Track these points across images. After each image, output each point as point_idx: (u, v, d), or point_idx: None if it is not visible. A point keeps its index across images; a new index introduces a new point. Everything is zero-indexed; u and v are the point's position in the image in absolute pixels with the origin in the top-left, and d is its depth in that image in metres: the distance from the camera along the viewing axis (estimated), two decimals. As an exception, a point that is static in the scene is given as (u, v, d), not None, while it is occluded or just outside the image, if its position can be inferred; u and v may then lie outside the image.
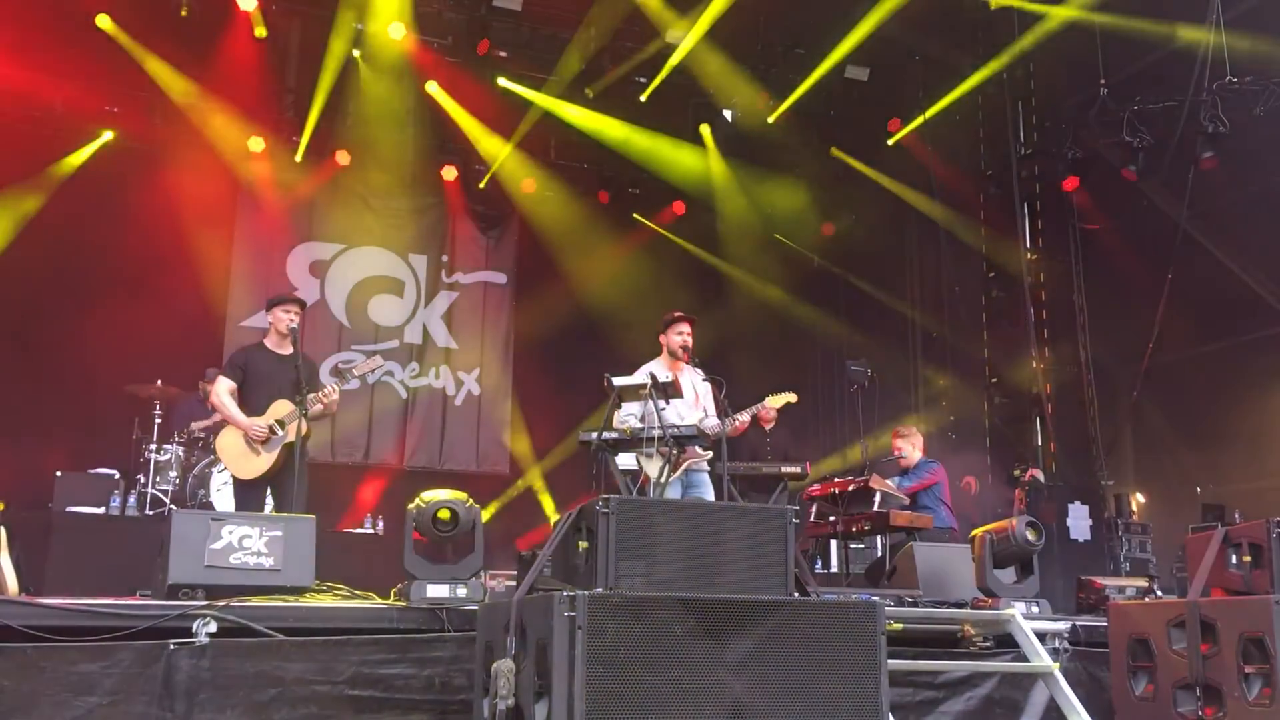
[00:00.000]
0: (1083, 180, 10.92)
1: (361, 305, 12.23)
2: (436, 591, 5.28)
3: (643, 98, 11.69)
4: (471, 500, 5.49)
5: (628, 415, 6.85)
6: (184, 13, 10.06)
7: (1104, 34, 9.88)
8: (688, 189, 12.76)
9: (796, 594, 4.37)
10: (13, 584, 5.33)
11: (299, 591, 5.34)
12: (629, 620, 3.79)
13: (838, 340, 13.05)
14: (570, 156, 12.62)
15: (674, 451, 6.48)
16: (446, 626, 5.17)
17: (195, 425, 9.34)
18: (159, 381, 9.39)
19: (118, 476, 8.96)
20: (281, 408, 6.86)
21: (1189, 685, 5.03)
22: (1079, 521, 9.73)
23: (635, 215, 13.04)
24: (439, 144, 12.14)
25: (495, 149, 11.95)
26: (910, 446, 8.80)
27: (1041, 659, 5.58)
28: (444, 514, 5.36)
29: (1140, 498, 10.34)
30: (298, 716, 4.78)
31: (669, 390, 6.55)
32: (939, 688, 5.58)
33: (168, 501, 8.87)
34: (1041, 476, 10.45)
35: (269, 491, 7.03)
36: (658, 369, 7.04)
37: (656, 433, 6.36)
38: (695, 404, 7.21)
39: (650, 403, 6.45)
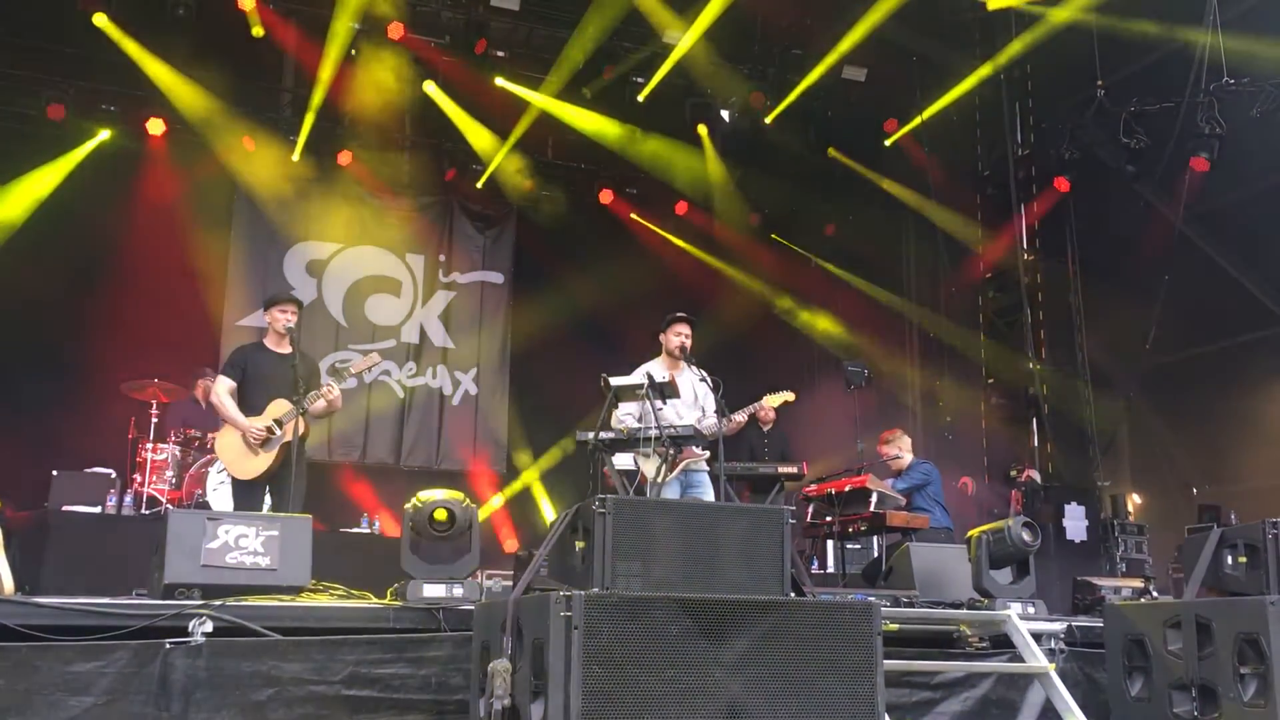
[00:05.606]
0: (1080, 181, 10.93)
1: (359, 305, 12.19)
2: (433, 591, 5.28)
3: (640, 97, 11.67)
4: (468, 500, 5.51)
5: (625, 415, 6.85)
6: (181, 11, 10.04)
7: (1101, 35, 9.89)
8: (685, 189, 12.75)
9: (793, 594, 4.37)
10: (9, 583, 5.32)
11: (295, 591, 5.34)
12: (625, 620, 3.79)
13: (835, 341, 13.05)
14: (568, 156, 12.60)
15: (671, 451, 6.48)
16: (443, 626, 5.17)
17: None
18: (155, 380, 9.37)
19: (114, 476, 8.94)
20: (280, 407, 6.85)
21: (1184, 686, 5.03)
22: (1075, 522, 9.74)
23: (633, 215, 13.02)
24: (436, 144, 12.14)
25: (493, 148, 11.91)
26: (899, 449, 8.80)
27: (1038, 660, 5.59)
28: (441, 514, 5.38)
29: (1136, 498, 10.34)
30: (294, 716, 4.78)
31: (666, 390, 6.54)
32: (935, 688, 5.59)
33: (164, 501, 8.86)
34: (1038, 477, 10.48)
35: (267, 491, 7.03)
36: (656, 369, 7.05)
37: (653, 432, 6.36)
38: (694, 404, 7.21)
39: (647, 403, 6.45)
